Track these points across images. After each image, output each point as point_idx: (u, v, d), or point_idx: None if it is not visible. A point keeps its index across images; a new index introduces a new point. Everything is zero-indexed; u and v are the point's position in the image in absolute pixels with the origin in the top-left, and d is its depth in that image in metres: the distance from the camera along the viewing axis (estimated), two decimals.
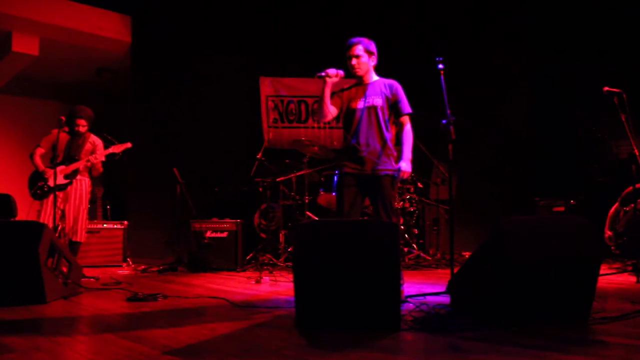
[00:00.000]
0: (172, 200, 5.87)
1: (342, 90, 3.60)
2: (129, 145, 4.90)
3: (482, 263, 2.66)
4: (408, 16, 6.93)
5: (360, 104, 3.47)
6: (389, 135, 3.47)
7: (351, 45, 3.46)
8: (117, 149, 4.83)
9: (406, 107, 3.49)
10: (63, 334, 2.52)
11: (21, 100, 8.87)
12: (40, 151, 4.76)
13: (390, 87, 3.49)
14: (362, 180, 3.44)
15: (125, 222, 6.14)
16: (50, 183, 4.56)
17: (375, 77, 3.55)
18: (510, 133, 6.79)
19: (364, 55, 3.46)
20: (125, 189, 7.62)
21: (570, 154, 6.34)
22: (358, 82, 3.55)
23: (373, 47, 3.50)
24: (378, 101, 3.44)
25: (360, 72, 3.49)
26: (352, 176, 3.45)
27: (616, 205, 5.10)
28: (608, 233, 5.10)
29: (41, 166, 4.70)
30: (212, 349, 2.24)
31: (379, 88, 3.49)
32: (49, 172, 4.61)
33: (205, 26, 7.09)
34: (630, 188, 4.99)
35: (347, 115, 3.53)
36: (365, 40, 3.48)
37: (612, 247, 4.98)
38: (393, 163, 3.44)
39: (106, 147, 4.87)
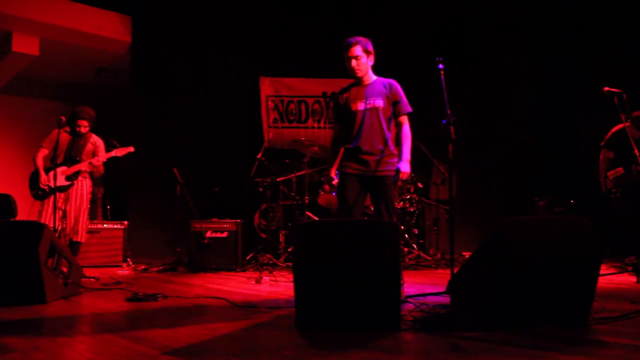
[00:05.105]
0: (172, 200, 5.87)
1: (342, 91, 3.60)
2: (131, 149, 4.89)
3: (483, 263, 2.66)
4: (408, 16, 6.93)
5: (360, 106, 3.46)
6: (390, 135, 3.47)
7: (349, 46, 3.43)
8: (119, 152, 4.82)
9: (406, 106, 3.48)
10: (63, 334, 2.52)
11: (21, 100, 8.86)
12: (43, 152, 4.74)
13: (390, 86, 3.48)
14: (364, 180, 3.45)
15: (125, 222, 6.13)
16: (51, 184, 4.55)
17: (373, 77, 3.54)
18: (510, 133, 6.78)
19: (363, 56, 3.44)
20: (125, 189, 7.61)
21: (570, 154, 6.34)
22: (357, 82, 3.54)
23: (370, 46, 3.47)
24: (379, 102, 3.43)
25: (360, 74, 3.48)
26: (354, 177, 3.45)
27: (603, 151, 5.14)
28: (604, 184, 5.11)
29: (43, 176, 4.62)
30: (212, 349, 2.24)
31: (378, 88, 3.48)
32: (49, 178, 4.56)
33: (205, 26, 7.09)
34: (615, 129, 5.04)
35: (348, 117, 3.51)
36: (362, 39, 3.45)
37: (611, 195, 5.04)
38: (395, 163, 3.44)
39: (108, 150, 4.86)
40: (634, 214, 4.79)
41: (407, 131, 3.47)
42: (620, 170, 4.99)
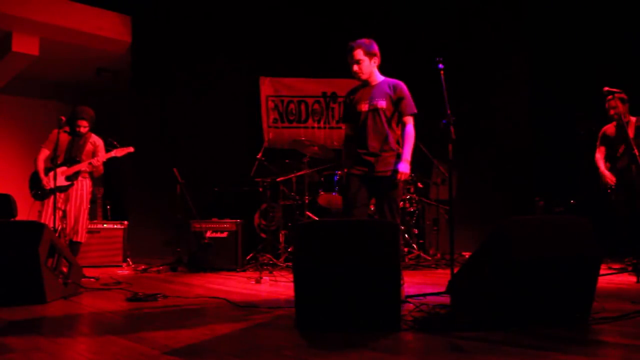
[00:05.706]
0: (172, 200, 5.87)
1: (350, 93, 3.64)
2: (131, 149, 4.88)
3: (482, 263, 2.66)
4: (408, 15, 6.93)
5: (364, 107, 3.48)
6: (394, 136, 3.47)
7: (351, 50, 3.45)
8: (119, 152, 4.82)
9: (410, 107, 3.48)
10: (63, 334, 2.53)
11: (21, 100, 8.86)
12: (44, 154, 4.72)
13: (395, 87, 3.49)
14: (367, 181, 3.45)
15: (125, 222, 6.13)
16: (51, 184, 4.54)
17: (380, 78, 3.55)
18: (510, 133, 6.78)
19: (365, 59, 3.45)
20: (125, 189, 7.62)
21: (570, 154, 6.34)
22: (364, 84, 3.57)
23: (374, 48, 3.48)
24: (382, 103, 3.44)
25: (363, 77, 3.50)
26: (357, 177, 3.47)
27: (598, 149, 5.15)
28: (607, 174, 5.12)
29: (44, 179, 4.62)
30: (212, 349, 2.24)
31: (382, 89, 3.49)
32: (49, 179, 4.56)
33: (205, 26, 7.09)
34: (605, 128, 5.05)
35: (354, 118, 3.55)
36: (365, 42, 3.46)
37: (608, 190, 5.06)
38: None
39: (108, 150, 4.86)
40: (632, 210, 4.80)
41: (409, 131, 3.46)
42: (608, 165, 5.04)
